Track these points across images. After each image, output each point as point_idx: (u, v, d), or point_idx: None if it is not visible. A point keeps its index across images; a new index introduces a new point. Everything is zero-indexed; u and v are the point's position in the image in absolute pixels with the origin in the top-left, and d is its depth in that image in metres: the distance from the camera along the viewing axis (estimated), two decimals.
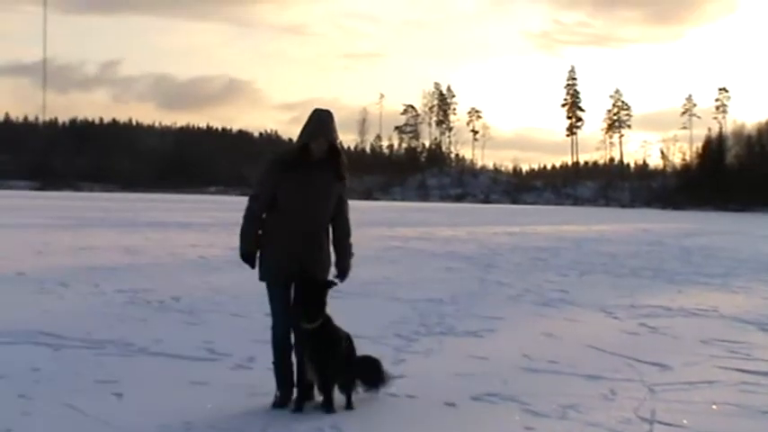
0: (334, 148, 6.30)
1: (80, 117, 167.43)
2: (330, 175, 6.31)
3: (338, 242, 6.48)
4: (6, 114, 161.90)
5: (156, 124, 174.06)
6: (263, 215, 6.37)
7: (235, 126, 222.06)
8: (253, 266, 6.43)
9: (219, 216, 42.71)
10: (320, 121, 6.25)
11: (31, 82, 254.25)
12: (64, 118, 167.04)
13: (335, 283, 6.39)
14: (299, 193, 6.23)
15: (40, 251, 18.96)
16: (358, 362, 6.52)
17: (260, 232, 6.38)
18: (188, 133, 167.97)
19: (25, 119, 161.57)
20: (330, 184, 6.33)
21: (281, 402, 6.32)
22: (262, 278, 6.40)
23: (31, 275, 14.07)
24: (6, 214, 38.38)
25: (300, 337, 6.24)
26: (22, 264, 15.73)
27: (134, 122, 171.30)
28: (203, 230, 29.91)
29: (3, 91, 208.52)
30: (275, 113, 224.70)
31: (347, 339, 6.44)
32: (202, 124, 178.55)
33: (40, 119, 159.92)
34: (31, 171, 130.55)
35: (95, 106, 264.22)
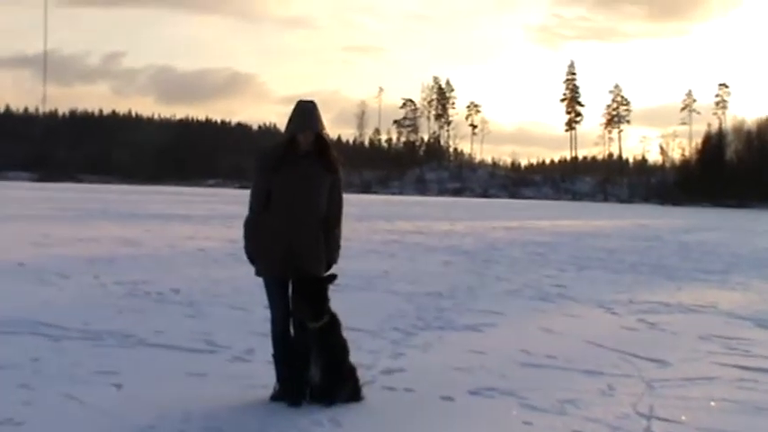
0: (321, 140, 6.26)
1: (80, 109, 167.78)
2: (319, 167, 6.27)
3: (326, 232, 6.39)
4: (7, 106, 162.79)
5: (156, 116, 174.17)
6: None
7: (235, 119, 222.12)
8: None
9: (218, 209, 42.72)
10: (305, 113, 6.23)
11: (34, 74, 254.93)
12: (64, 109, 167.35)
13: (335, 277, 6.38)
14: (289, 186, 6.20)
15: (40, 242, 18.96)
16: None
17: None
18: (187, 126, 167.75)
19: (25, 110, 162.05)
20: (320, 175, 6.28)
21: (279, 396, 6.30)
22: (258, 273, 6.39)
23: (31, 267, 14.07)
24: (6, 205, 38.36)
25: (303, 335, 6.23)
26: (22, 255, 15.73)
27: (133, 114, 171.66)
28: (202, 223, 29.90)
29: (5, 83, 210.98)
30: (278, 107, 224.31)
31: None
32: (202, 117, 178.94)
33: (41, 110, 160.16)
34: (31, 162, 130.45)
35: (97, 98, 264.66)
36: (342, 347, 6.31)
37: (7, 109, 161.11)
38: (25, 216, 30.06)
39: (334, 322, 6.26)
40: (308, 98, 6.37)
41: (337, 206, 6.47)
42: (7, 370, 6.95)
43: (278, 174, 6.21)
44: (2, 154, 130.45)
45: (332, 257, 6.47)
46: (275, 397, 6.29)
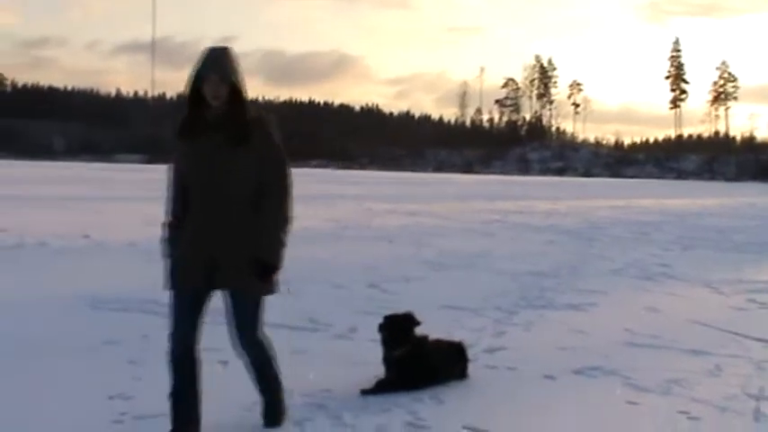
0: (235, 93, 4.71)
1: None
2: (234, 133, 4.66)
3: (262, 228, 4.71)
4: (117, 90, 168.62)
5: (261, 98, 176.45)
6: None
7: (338, 100, 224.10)
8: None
9: (320, 188, 43.03)
10: (210, 56, 4.64)
11: (147, 59, 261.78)
12: (171, 93, 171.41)
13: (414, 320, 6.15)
14: (196, 166, 4.70)
15: (150, 222, 19.34)
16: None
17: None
18: (291, 107, 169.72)
19: (135, 94, 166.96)
20: (235, 150, 4.62)
21: None
22: (166, 286, 4.98)
23: (141, 246, 14.43)
24: (117, 187, 39.40)
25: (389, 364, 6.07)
26: (133, 235, 16.17)
27: None
28: (303, 203, 30.17)
29: (120, 68, 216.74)
30: (380, 87, 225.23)
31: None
32: (305, 98, 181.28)
33: (149, 94, 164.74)
34: (140, 145, 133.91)
35: None
36: (434, 366, 6.16)
37: (118, 93, 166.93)
38: (135, 197, 30.82)
39: (417, 353, 6.08)
40: (222, 45, 4.82)
41: (274, 187, 4.72)
42: (118, 345, 7.17)
43: (184, 149, 4.76)
44: (112, 137, 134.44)
45: (267, 258, 4.80)
46: None
